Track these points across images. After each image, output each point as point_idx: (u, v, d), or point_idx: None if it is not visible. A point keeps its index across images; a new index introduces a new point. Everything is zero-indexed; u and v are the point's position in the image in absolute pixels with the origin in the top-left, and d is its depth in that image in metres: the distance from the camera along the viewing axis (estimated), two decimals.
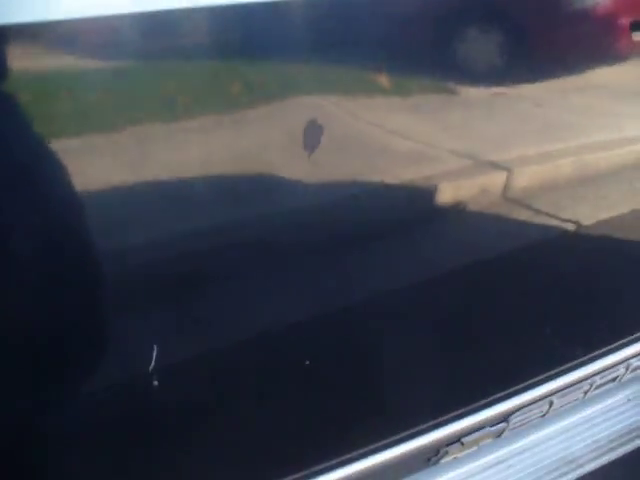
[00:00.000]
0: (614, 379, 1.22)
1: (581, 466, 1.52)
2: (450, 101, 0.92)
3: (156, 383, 0.76)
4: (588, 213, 1.14)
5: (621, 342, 1.19)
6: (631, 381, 1.61)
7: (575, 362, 1.16)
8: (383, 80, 0.85)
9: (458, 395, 1.07)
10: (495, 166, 1.01)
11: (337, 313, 0.94)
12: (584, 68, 1.03)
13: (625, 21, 1.00)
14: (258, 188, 0.80)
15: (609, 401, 1.61)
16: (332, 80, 0.81)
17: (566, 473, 1.47)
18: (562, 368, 1.15)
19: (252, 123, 0.76)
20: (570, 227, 1.12)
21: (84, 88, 0.68)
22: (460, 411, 1.07)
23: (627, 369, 1.22)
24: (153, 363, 0.74)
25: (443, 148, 0.95)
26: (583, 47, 1.02)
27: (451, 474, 1.32)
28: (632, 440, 1.57)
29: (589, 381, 1.18)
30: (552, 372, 1.14)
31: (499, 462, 1.47)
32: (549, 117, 1.03)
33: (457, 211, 0.98)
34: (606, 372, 1.19)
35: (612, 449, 1.56)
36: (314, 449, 0.96)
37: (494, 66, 0.96)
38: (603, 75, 1.07)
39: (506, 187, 1.03)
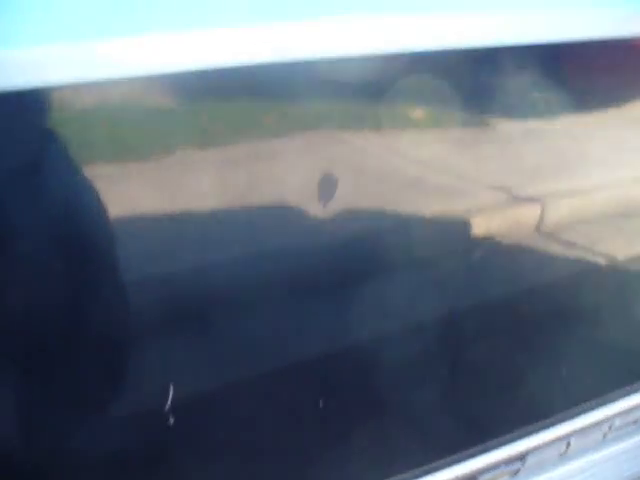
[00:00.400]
0: (635, 422, 1.21)
1: None
2: (485, 135, 0.93)
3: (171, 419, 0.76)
4: (622, 247, 1.15)
5: None
6: None
7: (594, 403, 1.15)
8: (418, 114, 0.86)
9: (475, 433, 1.06)
10: (530, 199, 1.02)
11: (355, 347, 0.94)
12: (620, 102, 1.04)
13: None
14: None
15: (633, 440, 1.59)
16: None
17: None
18: (580, 408, 1.14)
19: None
20: (603, 261, 1.13)
21: None
22: (476, 449, 1.07)
23: None
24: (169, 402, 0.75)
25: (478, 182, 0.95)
26: (618, 81, 1.02)
27: None
28: None
29: (608, 423, 1.16)
30: (570, 412, 1.13)
31: None
32: (584, 151, 1.04)
33: (490, 244, 0.99)
34: (626, 414, 1.17)
35: None
36: None
37: (529, 100, 0.96)
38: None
39: (540, 220, 1.03)
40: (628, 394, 1.17)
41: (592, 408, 1.15)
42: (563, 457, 1.20)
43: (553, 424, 1.12)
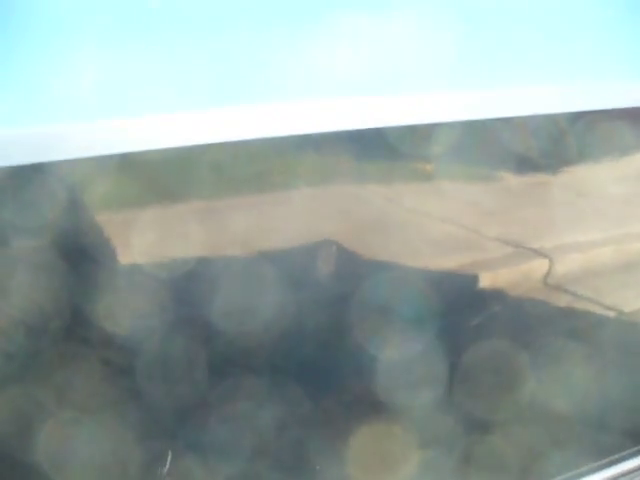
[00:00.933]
0: None
1: None
2: (493, 189, 0.98)
3: None
4: (629, 299, 1.18)
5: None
6: None
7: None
8: (427, 169, 0.90)
9: None
10: (537, 253, 1.05)
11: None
12: (623, 157, 1.08)
13: None
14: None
15: None
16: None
17: None
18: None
19: None
20: (611, 313, 1.15)
21: None
22: None
23: None
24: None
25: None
26: (621, 136, 1.05)
27: None
28: None
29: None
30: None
31: None
32: (590, 206, 1.09)
33: (499, 297, 1.02)
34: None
35: None
36: None
37: (536, 156, 1.00)
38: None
39: (548, 274, 1.06)
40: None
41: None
42: None
43: None
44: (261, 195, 0.81)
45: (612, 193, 1.09)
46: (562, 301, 1.10)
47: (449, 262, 0.96)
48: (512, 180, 0.99)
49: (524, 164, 0.99)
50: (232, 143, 0.73)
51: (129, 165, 0.70)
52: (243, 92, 0.74)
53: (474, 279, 0.99)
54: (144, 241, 0.73)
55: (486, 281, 1.01)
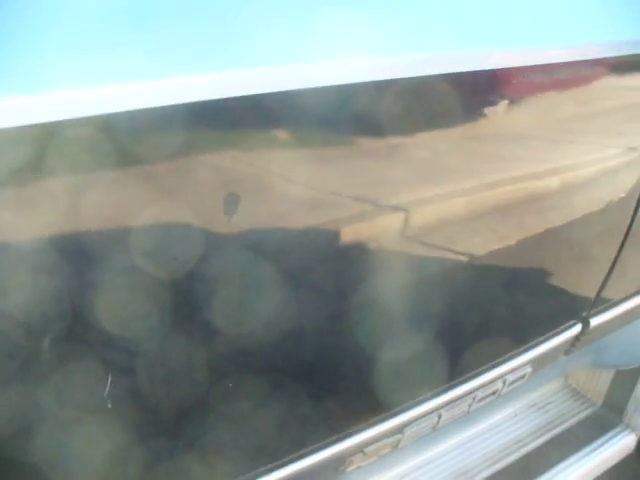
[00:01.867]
0: (494, 393, 1.42)
1: (473, 477, 1.72)
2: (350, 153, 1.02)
3: None
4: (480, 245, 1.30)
5: (497, 361, 1.38)
6: (516, 398, 1.83)
7: (458, 379, 1.35)
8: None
9: (358, 411, 1.24)
10: (394, 208, 1.12)
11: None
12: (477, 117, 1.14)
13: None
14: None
15: (496, 417, 1.82)
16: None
17: None
18: (448, 385, 1.33)
19: None
20: (463, 258, 1.27)
21: None
22: (361, 425, 1.24)
23: (504, 384, 1.41)
24: None
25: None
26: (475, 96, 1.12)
27: None
28: (517, 450, 1.78)
29: (472, 395, 1.37)
30: (439, 389, 1.32)
31: (404, 476, 1.66)
32: (446, 163, 1.15)
33: (360, 250, 1.10)
34: (485, 387, 1.38)
35: (500, 459, 1.77)
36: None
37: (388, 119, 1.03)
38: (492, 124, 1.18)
39: (404, 227, 1.15)
40: (486, 371, 1.37)
41: (458, 384, 1.34)
42: (437, 430, 1.40)
43: (426, 400, 1.31)
44: None
45: (465, 150, 1.15)
46: (418, 250, 1.19)
47: (310, 220, 1.01)
48: (369, 142, 1.02)
49: (379, 127, 1.01)
50: None
51: None
52: None
53: (335, 234, 1.06)
54: None
55: (347, 236, 1.09)
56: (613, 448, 1.83)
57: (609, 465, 1.84)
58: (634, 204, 1.43)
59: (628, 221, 1.45)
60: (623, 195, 1.41)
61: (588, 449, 1.81)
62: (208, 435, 1.07)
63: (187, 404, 1.02)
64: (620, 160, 1.40)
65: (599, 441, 1.83)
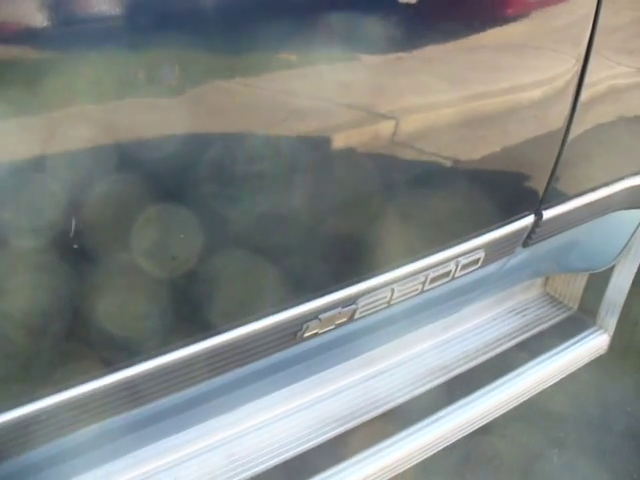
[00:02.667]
0: (447, 274, 1.57)
1: (450, 372, 1.87)
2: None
3: None
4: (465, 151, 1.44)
5: (449, 243, 1.53)
6: (495, 304, 1.98)
7: (410, 258, 1.50)
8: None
9: (313, 279, 1.40)
10: (384, 116, 1.26)
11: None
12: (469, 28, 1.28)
13: None
14: None
15: (478, 320, 1.97)
16: None
17: (438, 377, 1.82)
18: (400, 262, 1.49)
19: None
20: (449, 163, 1.41)
21: None
22: (315, 293, 1.40)
23: (457, 266, 1.56)
24: None
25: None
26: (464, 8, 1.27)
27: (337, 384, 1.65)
28: (494, 349, 1.93)
29: (424, 273, 1.52)
30: (392, 264, 1.48)
31: (383, 372, 1.82)
32: (439, 72, 1.30)
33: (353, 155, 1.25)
34: (437, 267, 1.53)
35: (478, 357, 1.91)
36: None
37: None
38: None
39: (395, 133, 1.28)
40: (438, 252, 1.52)
41: (409, 262, 1.50)
42: (391, 306, 1.56)
43: (379, 274, 1.47)
44: None
45: (455, 60, 1.29)
46: (408, 155, 1.34)
47: (307, 127, 1.16)
48: (361, 55, 1.17)
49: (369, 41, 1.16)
50: None
51: None
52: None
53: (326, 140, 1.21)
54: None
55: (339, 142, 1.23)
56: (586, 346, 1.95)
57: (583, 362, 1.96)
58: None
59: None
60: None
61: (562, 347, 1.94)
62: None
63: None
64: None
65: (573, 340, 1.95)
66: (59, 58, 0.92)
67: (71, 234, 1.01)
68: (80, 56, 0.93)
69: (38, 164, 0.95)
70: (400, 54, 1.25)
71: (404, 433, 1.72)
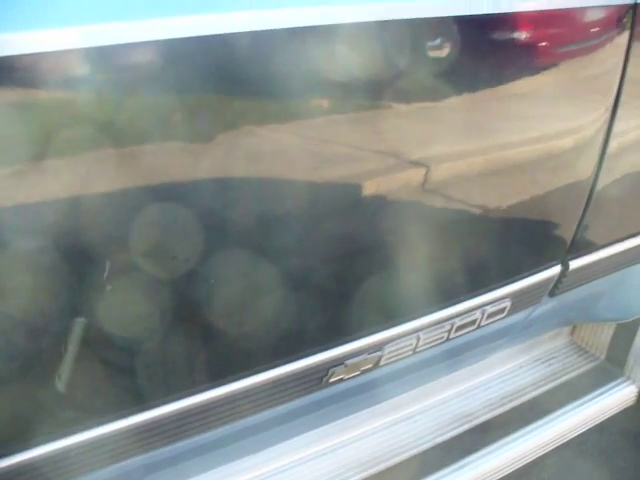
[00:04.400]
0: (473, 322, 1.57)
1: (475, 419, 1.86)
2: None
3: None
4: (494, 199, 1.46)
5: (475, 292, 1.54)
6: (521, 352, 1.97)
7: (437, 306, 1.51)
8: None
9: (340, 325, 1.40)
10: (416, 163, 1.29)
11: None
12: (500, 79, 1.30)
13: None
14: None
15: (503, 368, 1.96)
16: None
17: (462, 424, 1.81)
18: (427, 310, 1.50)
19: None
20: (478, 210, 1.43)
21: None
22: (342, 339, 1.41)
23: (483, 314, 1.57)
24: None
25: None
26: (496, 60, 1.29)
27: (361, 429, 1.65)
28: (520, 397, 1.92)
29: (450, 322, 1.53)
30: (418, 312, 1.49)
31: (407, 418, 1.82)
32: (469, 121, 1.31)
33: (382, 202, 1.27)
34: (463, 316, 1.54)
35: (503, 405, 1.90)
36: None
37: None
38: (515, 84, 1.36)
39: (425, 181, 1.30)
40: (463, 300, 1.53)
41: (435, 310, 1.51)
42: (416, 353, 1.56)
43: (405, 321, 1.48)
44: None
45: (486, 109, 1.32)
46: (437, 203, 1.35)
47: (335, 173, 1.18)
48: (390, 99, 1.18)
49: (402, 83, 1.17)
50: None
51: None
52: None
53: (359, 187, 1.23)
54: None
55: (370, 189, 1.25)
56: (614, 397, 1.93)
57: (610, 414, 1.94)
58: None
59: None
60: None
61: (589, 397, 1.92)
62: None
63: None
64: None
65: (600, 390, 1.93)
66: None
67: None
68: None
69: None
70: (431, 103, 1.27)
71: None
